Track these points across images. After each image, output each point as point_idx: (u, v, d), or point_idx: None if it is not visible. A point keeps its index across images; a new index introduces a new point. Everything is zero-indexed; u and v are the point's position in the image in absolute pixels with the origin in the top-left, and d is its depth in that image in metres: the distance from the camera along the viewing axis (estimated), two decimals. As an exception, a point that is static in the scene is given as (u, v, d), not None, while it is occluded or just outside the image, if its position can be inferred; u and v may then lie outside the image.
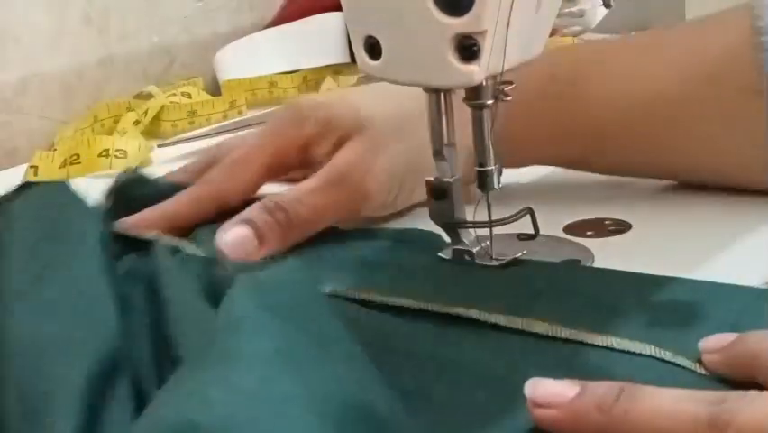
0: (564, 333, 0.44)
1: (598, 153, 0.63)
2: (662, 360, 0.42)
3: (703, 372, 0.40)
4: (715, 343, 0.40)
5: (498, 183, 0.52)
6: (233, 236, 0.55)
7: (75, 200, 0.52)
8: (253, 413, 0.32)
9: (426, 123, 0.52)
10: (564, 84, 0.63)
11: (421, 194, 0.56)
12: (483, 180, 0.52)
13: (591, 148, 0.63)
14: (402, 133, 0.59)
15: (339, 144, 0.59)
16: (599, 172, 0.65)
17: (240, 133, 0.88)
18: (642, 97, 0.61)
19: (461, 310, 0.46)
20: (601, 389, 0.36)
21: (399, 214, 0.63)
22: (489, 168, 0.51)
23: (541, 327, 0.44)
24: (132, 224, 0.57)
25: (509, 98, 0.50)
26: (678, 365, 0.41)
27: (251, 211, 0.57)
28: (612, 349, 0.43)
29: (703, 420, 0.34)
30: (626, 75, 0.62)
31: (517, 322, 0.45)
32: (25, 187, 0.54)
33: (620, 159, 0.63)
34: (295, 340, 0.36)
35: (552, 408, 0.37)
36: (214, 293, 0.43)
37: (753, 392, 0.34)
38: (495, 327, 0.46)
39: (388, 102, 0.60)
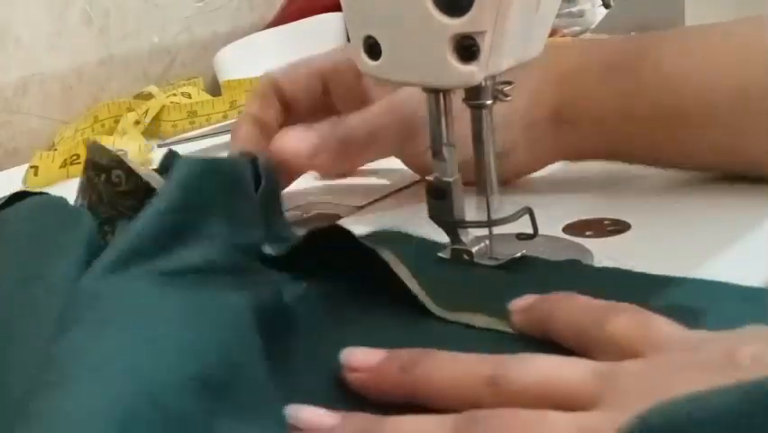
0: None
1: (674, 141, 0.61)
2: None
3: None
4: (523, 303, 0.45)
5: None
6: (289, 142, 0.60)
7: (65, 213, 0.51)
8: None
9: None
10: (636, 59, 0.60)
11: None
12: (482, 180, 0.52)
13: (668, 135, 0.60)
14: None
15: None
16: (664, 165, 0.63)
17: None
18: (729, 83, 0.58)
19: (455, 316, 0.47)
20: (405, 354, 0.40)
21: (398, 213, 0.63)
22: (489, 168, 0.51)
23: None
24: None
25: (509, 98, 0.50)
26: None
27: (315, 124, 0.60)
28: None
29: (484, 379, 0.38)
30: (708, 55, 0.60)
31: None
32: (19, 196, 0.53)
33: (700, 146, 0.60)
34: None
35: (361, 371, 0.41)
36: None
37: (525, 355, 0.39)
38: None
39: None
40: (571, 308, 0.42)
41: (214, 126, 0.93)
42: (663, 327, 0.40)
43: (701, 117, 0.60)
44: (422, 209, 0.55)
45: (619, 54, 0.61)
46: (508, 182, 0.62)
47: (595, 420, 0.34)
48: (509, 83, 0.50)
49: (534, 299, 0.44)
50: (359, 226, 0.62)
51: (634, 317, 0.40)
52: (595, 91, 0.61)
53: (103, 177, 0.55)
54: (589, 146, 0.63)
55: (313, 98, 0.66)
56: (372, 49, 0.49)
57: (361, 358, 0.41)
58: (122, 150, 0.82)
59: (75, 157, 0.81)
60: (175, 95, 0.98)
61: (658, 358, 0.37)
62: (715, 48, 0.60)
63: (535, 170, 0.65)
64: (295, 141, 0.61)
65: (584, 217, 0.60)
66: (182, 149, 0.86)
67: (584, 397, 0.36)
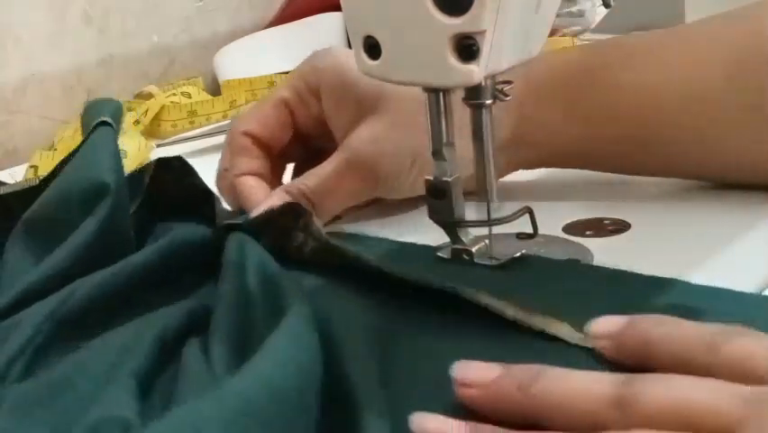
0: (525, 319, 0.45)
1: (640, 146, 0.60)
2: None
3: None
4: (605, 327, 0.42)
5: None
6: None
7: None
8: None
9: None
10: (598, 69, 0.60)
11: None
12: (482, 180, 0.52)
13: (632, 140, 0.60)
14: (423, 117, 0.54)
15: (358, 118, 0.59)
16: (630, 172, 0.63)
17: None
18: (683, 90, 0.58)
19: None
20: (521, 370, 0.38)
21: (399, 213, 0.63)
22: (489, 167, 0.51)
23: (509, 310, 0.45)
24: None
25: (509, 98, 0.50)
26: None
27: (275, 198, 0.57)
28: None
29: (609, 400, 0.35)
30: (667, 65, 0.59)
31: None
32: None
33: (663, 151, 0.60)
34: None
35: (475, 387, 0.39)
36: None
37: (655, 375, 0.36)
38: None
39: None
40: (672, 334, 0.39)
41: (213, 126, 0.93)
42: None
43: (663, 128, 0.59)
44: (422, 209, 0.55)
45: (571, 75, 0.60)
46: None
47: None
48: (509, 82, 0.50)
49: (620, 325, 0.41)
50: (359, 226, 0.62)
51: (759, 342, 0.37)
52: (550, 116, 0.60)
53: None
54: (548, 161, 0.63)
55: (288, 129, 0.62)
56: (372, 49, 0.49)
57: (475, 374, 0.39)
58: (121, 149, 0.82)
59: (75, 157, 0.81)
60: (175, 94, 0.98)
61: None
62: (669, 53, 0.59)
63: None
64: None
65: (584, 217, 0.60)
66: (182, 148, 0.86)
67: (726, 422, 0.33)
